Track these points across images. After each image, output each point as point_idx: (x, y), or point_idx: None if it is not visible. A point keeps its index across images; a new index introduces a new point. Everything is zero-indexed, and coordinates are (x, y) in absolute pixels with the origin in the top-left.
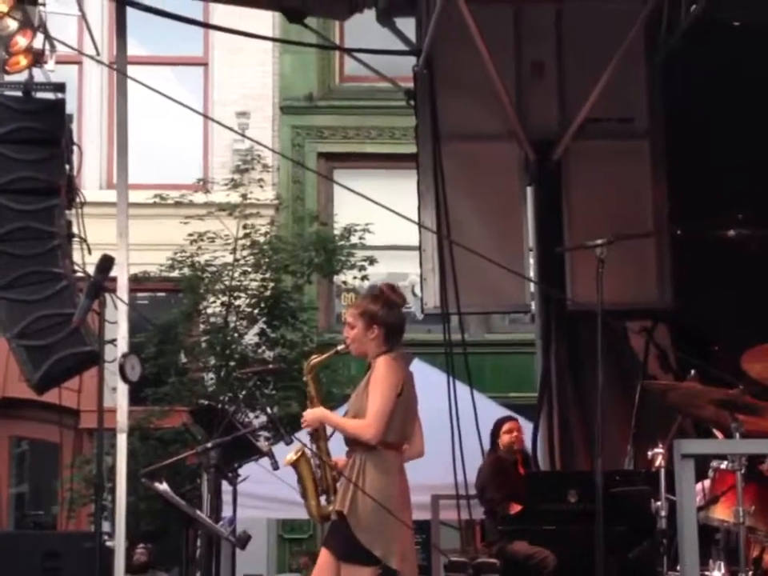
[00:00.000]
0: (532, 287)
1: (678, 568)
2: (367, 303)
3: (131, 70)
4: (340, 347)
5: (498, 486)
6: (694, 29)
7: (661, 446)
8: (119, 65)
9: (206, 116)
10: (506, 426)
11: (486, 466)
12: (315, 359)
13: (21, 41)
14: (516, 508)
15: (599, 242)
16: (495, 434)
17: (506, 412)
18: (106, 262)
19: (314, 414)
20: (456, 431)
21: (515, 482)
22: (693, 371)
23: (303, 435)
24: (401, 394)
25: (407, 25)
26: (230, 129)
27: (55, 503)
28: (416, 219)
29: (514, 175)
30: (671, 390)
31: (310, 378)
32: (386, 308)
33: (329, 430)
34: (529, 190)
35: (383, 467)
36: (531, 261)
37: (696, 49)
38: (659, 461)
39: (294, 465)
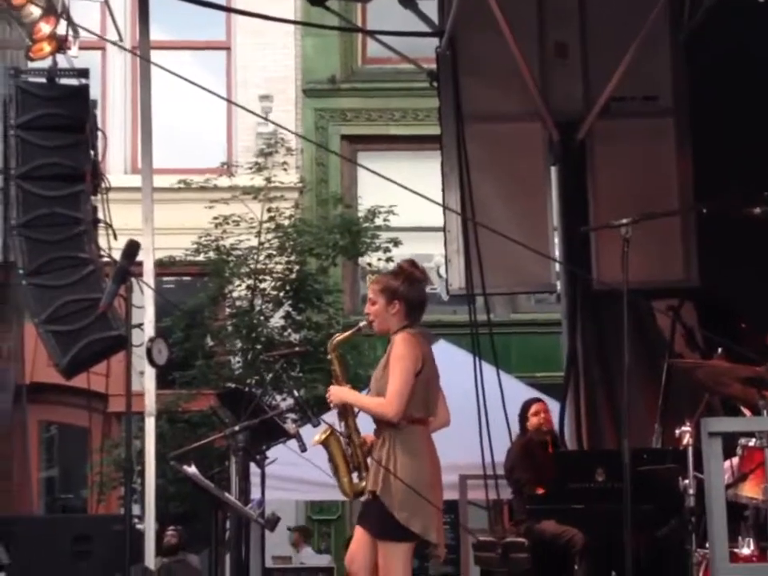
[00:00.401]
0: (557, 267)
1: (707, 546)
2: (388, 279)
3: (154, 55)
4: (362, 324)
5: (525, 468)
6: (719, 5)
7: (688, 424)
8: (142, 50)
9: (228, 100)
10: (533, 408)
11: (514, 448)
12: (338, 337)
13: (44, 27)
14: (543, 490)
15: (624, 221)
16: (523, 416)
17: (533, 392)
18: (132, 248)
19: (337, 392)
20: (483, 411)
21: (544, 464)
22: (720, 349)
23: (330, 417)
24: (421, 370)
25: (429, 6)
26: (253, 113)
27: (85, 487)
28: (440, 201)
29: (539, 155)
30: (698, 368)
31: (334, 356)
32: (406, 283)
33: (356, 408)
34: (553, 170)
35: (412, 446)
36: (556, 241)
37: (721, 25)
38: (687, 439)
39: (324, 444)
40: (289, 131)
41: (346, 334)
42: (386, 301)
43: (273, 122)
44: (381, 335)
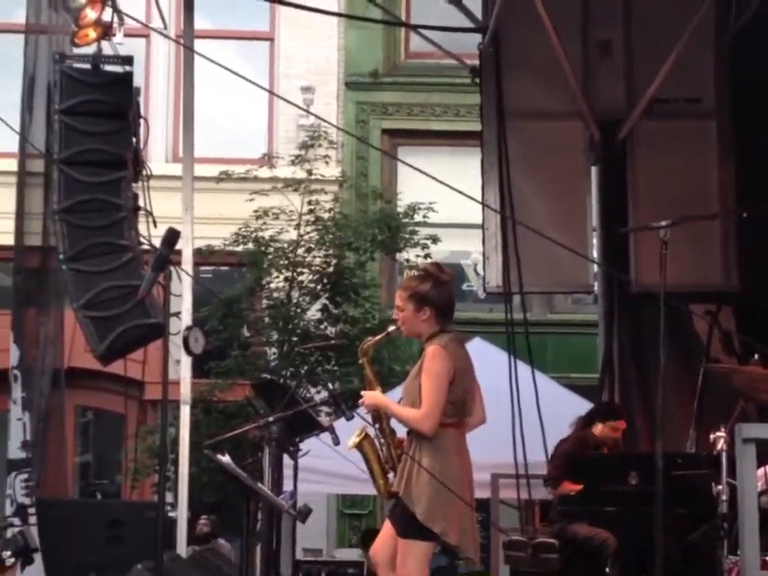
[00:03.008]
0: (595, 268)
1: (738, 552)
2: (416, 285)
3: (198, 44)
4: (391, 329)
5: (557, 465)
6: (765, 7)
7: (723, 429)
8: (186, 39)
9: (270, 91)
10: (616, 423)
11: (567, 444)
12: (368, 342)
13: (90, 14)
14: (568, 487)
15: (663, 223)
16: (602, 416)
17: (568, 393)
18: (172, 236)
19: (371, 398)
20: (516, 410)
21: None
22: (756, 355)
23: (364, 411)
24: (453, 381)
25: (474, 2)
26: (294, 104)
27: (119, 473)
28: (479, 197)
29: (579, 155)
30: (734, 374)
31: (365, 360)
32: (435, 288)
33: None
34: (593, 169)
35: (439, 448)
36: (595, 241)
37: (766, 27)
38: (721, 444)
39: (358, 447)
40: (329, 123)
41: (377, 338)
42: (415, 307)
43: (313, 114)
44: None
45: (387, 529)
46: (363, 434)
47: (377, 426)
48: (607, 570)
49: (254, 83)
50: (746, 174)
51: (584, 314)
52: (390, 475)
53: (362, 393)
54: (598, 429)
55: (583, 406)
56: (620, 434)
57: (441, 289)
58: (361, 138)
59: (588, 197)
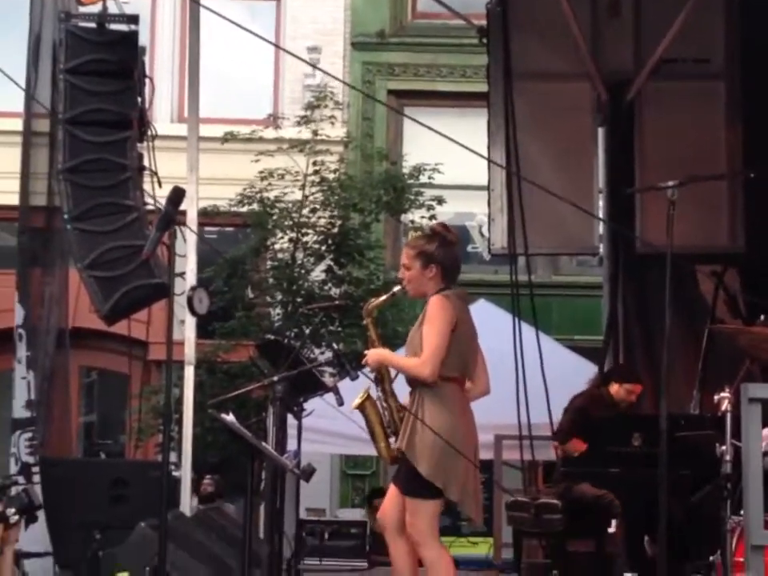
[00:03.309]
0: (601, 229)
1: (742, 512)
2: (423, 243)
3: (204, 3)
4: (397, 289)
5: (569, 420)
6: None
7: (728, 390)
8: None
9: (277, 46)
10: (632, 386)
11: (580, 399)
12: (373, 302)
13: None
14: (574, 446)
15: (670, 183)
16: (620, 377)
17: (572, 355)
18: (177, 194)
19: (374, 354)
20: (520, 372)
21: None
22: (762, 316)
23: (368, 370)
24: (455, 330)
25: None
26: (304, 60)
27: (123, 433)
28: (486, 157)
29: (586, 115)
30: (740, 335)
31: (369, 321)
32: (442, 247)
33: (392, 372)
34: (600, 131)
35: (441, 402)
36: (601, 203)
37: None
38: (725, 405)
39: (360, 409)
40: (338, 79)
41: (381, 299)
42: (422, 265)
43: (322, 70)
44: (416, 299)
45: (393, 492)
46: (366, 396)
47: (379, 387)
48: (610, 530)
49: (261, 37)
50: (753, 134)
51: (588, 276)
52: (392, 439)
53: (366, 352)
54: (614, 389)
55: (587, 368)
56: (635, 398)
57: (447, 249)
58: (368, 94)
59: (595, 158)
